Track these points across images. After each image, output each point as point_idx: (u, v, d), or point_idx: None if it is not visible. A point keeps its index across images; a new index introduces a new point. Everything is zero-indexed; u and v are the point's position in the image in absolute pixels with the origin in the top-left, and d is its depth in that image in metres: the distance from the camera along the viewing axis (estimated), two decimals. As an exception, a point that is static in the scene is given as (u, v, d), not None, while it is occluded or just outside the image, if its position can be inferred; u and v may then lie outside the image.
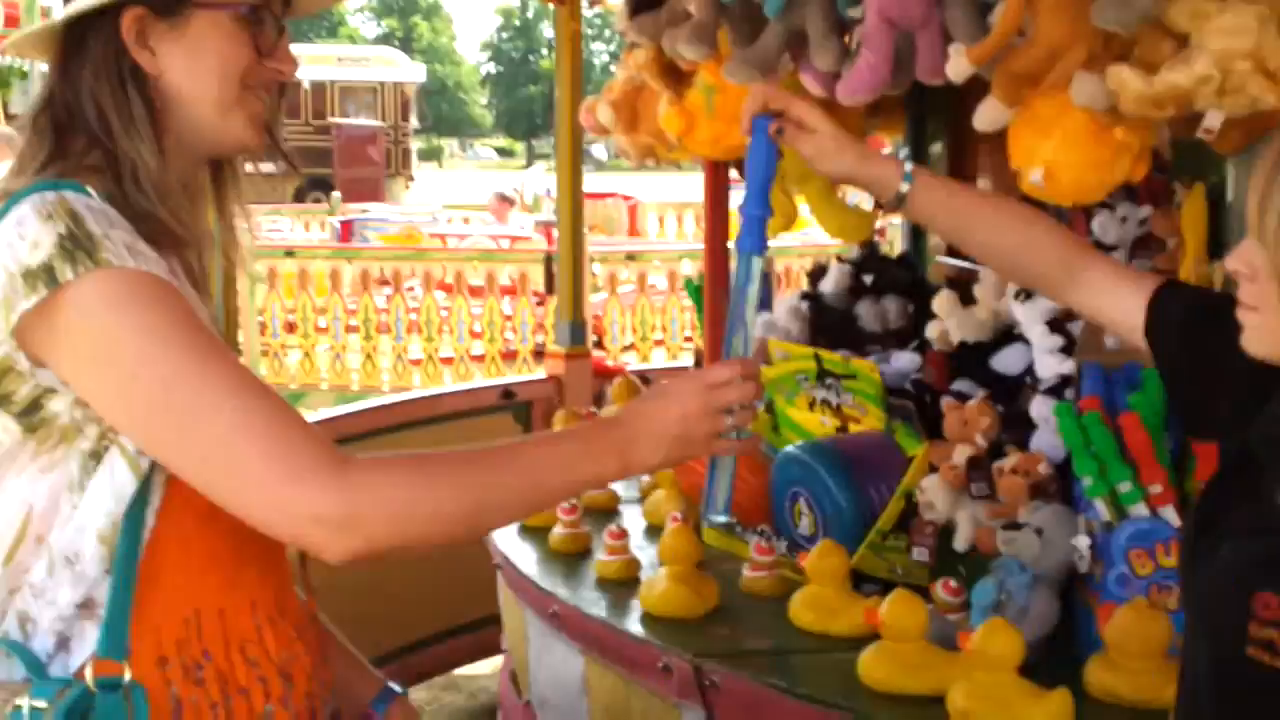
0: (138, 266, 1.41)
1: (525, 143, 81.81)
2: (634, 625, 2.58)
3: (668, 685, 2.40)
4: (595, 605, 2.69)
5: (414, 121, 32.64)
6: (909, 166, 1.79)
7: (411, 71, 33.09)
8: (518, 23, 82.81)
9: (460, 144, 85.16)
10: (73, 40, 1.54)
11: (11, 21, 8.22)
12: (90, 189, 1.46)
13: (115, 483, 1.45)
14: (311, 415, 5.04)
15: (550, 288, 5.55)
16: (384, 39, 74.51)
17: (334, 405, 8.80)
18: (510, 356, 9.98)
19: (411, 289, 10.34)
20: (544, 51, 78.49)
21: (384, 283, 10.48)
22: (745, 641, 2.49)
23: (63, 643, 1.47)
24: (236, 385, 1.41)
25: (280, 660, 1.56)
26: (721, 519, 1.72)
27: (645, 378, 4.16)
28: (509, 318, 10.04)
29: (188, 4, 1.53)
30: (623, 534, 2.89)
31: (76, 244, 1.38)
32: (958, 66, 2.34)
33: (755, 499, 2.99)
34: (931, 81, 2.58)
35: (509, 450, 1.53)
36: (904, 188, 1.77)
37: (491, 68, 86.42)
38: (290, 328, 9.99)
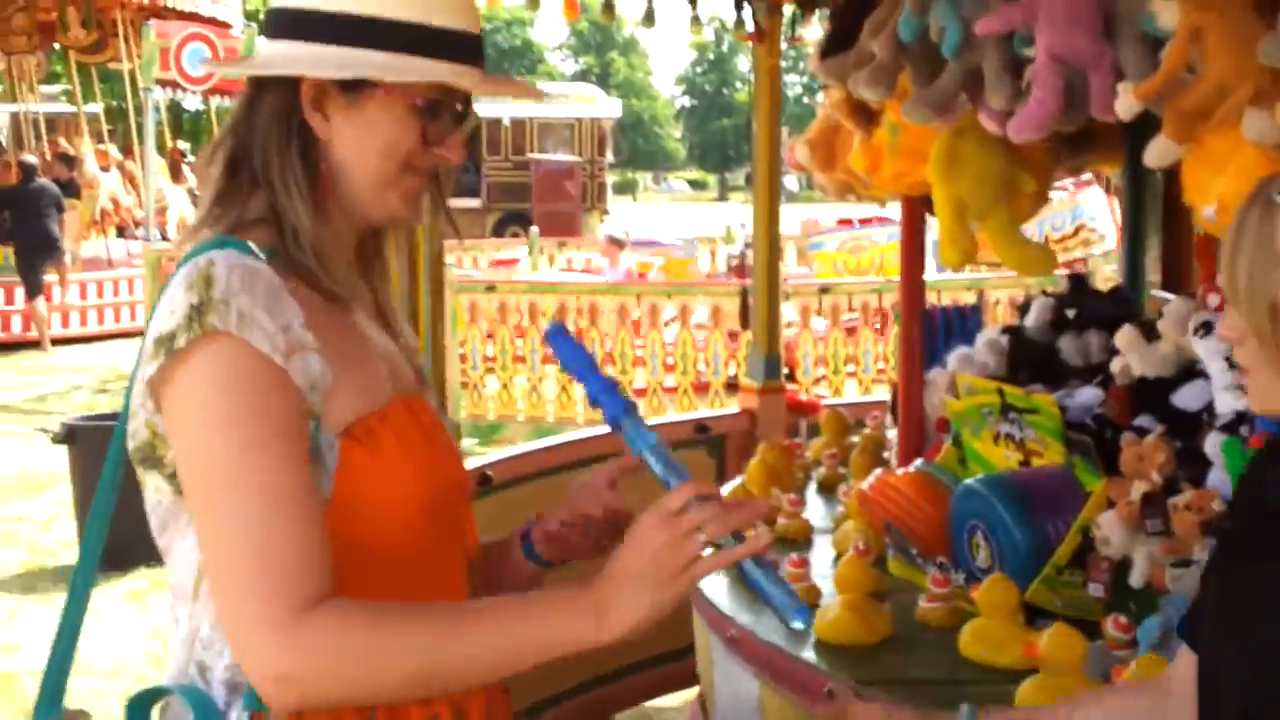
0: (239, 334, 1.44)
1: (718, 175, 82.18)
2: (807, 652, 2.65)
3: (832, 710, 2.46)
4: (772, 631, 2.76)
5: (609, 156, 33.11)
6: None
7: (608, 107, 33.60)
8: (712, 56, 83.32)
9: (654, 177, 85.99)
10: (257, 85, 1.60)
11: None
12: (254, 245, 1.53)
13: None
14: (508, 450, 5.18)
15: (745, 322, 5.61)
16: (581, 75, 75.70)
17: (529, 438, 9.08)
18: (702, 389, 10.09)
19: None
20: (738, 85, 78.71)
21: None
22: (912, 670, 2.54)
23: (234, 688, 1.52)
24: (259, 498, 1.43)
25: (453, 694, 1.58)
26: (800, 625, 1.51)
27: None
28: (701, 349, 10.16)
29: (369, 85, 1.57)
30: (803, 563, 2.96)
31: (199, 312, 1.45)
32: (1126, 104, 2.38)
33: (934, 530, 3.03)
34: (1104, 118, 2.61)
35: (474, 614, 1.50)
36: None
37: (686, 101, 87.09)
38: (489, 360, 10.26)
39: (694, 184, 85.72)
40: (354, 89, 1.57)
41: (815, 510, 3.67)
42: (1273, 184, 1.41)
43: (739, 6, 4.87)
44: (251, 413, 1.44)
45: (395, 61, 1.54)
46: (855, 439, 4.07)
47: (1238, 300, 1.40)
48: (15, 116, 21.33)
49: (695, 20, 5.02)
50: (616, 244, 15.28)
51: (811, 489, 3.92)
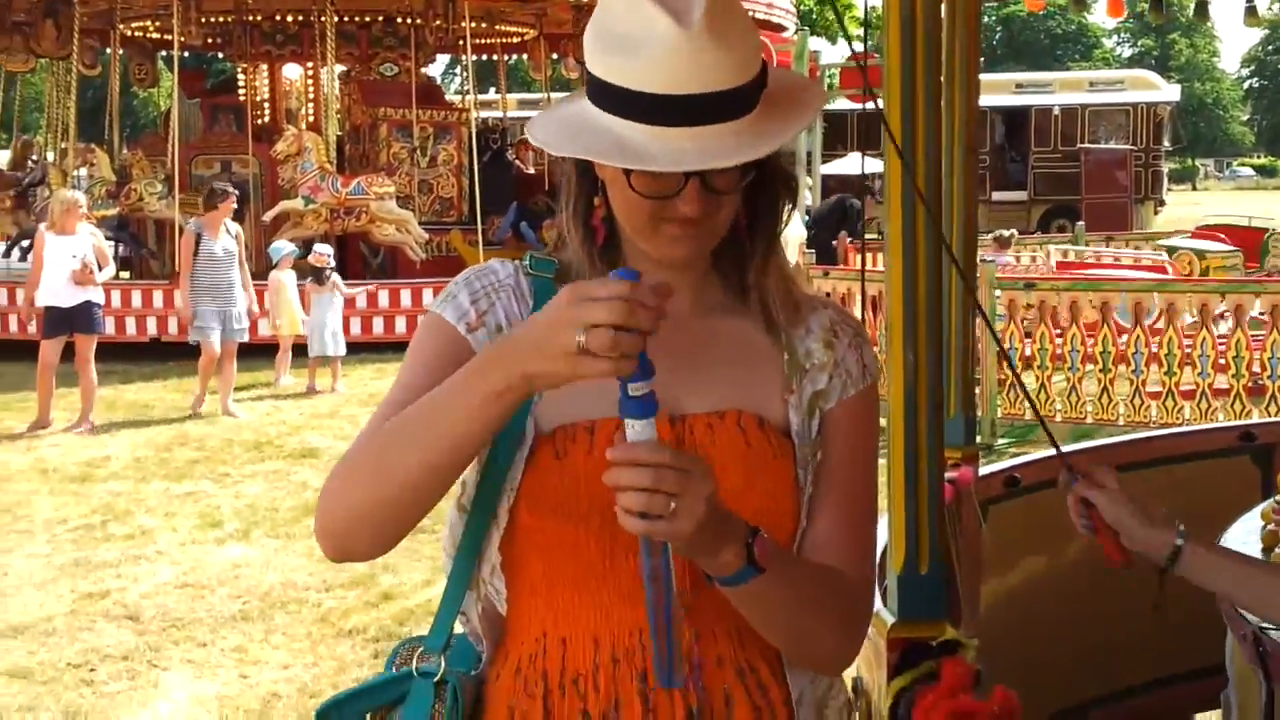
0: (438, 310, 1.69)
1: (1291, 160, 76.34)
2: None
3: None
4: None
5: (1166, 143, 31.66)
6: (1179, 541, 2.19)
7: (1166, 93, 32.16)
8: (1286, 31, 77.48)
9: (1217, 164, 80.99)
10: None
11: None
12: (554, 260, 1.71)
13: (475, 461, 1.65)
14: (1039, 453, 5.19)
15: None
16: (1139, 58, 72.45)
17: (1066, 440, 8.96)
18: (1257, 392, 9.60)
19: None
20: (1316, 61, 72.78)
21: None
22: None
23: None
24: (386, 398, 1.66)
25: (604, 705, 1.61)
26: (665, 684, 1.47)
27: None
28: (1257, 350, 9.67)
29: None
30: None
31: (439, 298, 1.72)
32: None
33: None
34: None
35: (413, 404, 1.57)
36: (1172, 553, 2.20)
37: (1255, 82, 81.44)
38: (1027, 359, 10.21)
39: (1262, 170, 79.97)
40: None
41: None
42: None
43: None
44: (418, 354, 1.68)
45: (618, 131, 1.53)
46: None
47: None
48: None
49: (1252, 12, 4.88)
50: (1000, 244, 14.83)
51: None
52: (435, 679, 1.66)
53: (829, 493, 1.68)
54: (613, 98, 1.53)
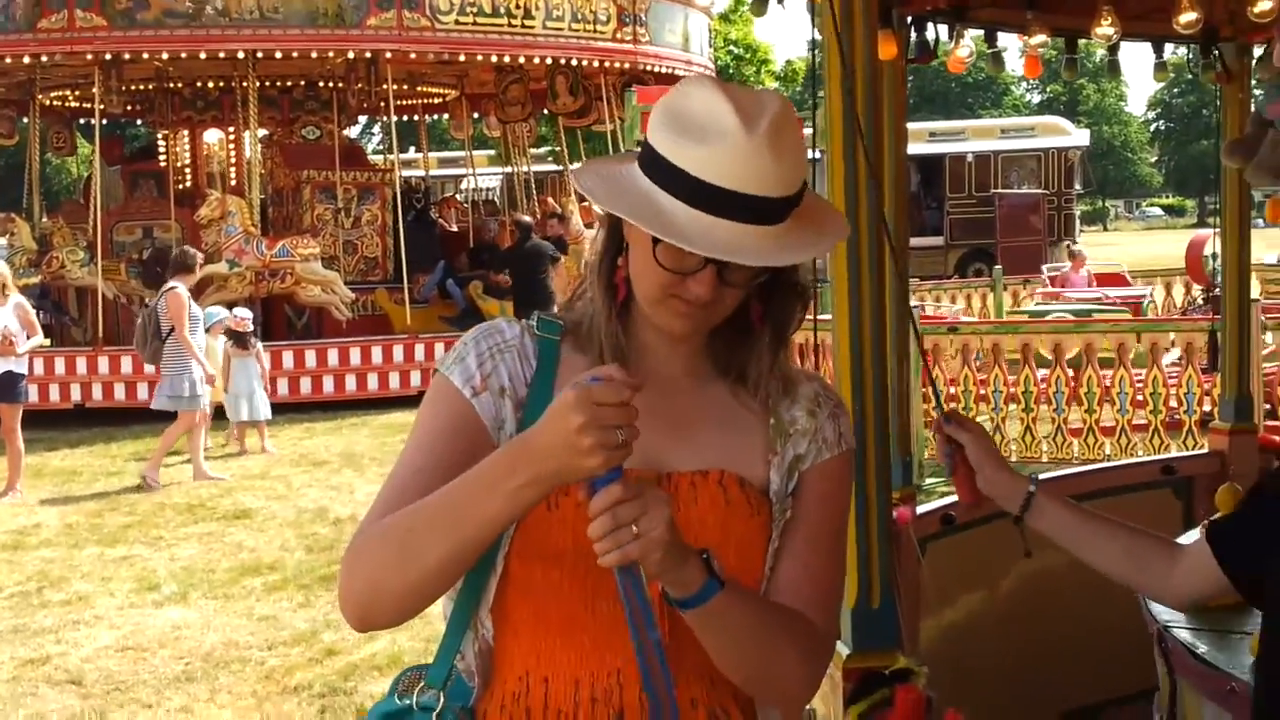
0: (445, 372, 1.78)
1: (1197, 200, 78.08)
2: None
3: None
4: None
5: (1078, 186, 32.34)
6: (1033, 488, 2.45)
7: (1076, 138, 32.86)
8: (1190, 76, 79.31)
9: (1127, 205, 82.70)
10: None
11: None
12: (560, 321, 1.82)
13: None
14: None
15: (1214, 363, 5.50)
16: (1048, 104, 73.96)
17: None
18: (1174, 426, 9.87)
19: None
20: (1218, 103, 74.67)
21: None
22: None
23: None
24: (397, 466, 1.75)
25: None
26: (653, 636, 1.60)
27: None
28: (1172, 386, 9.95)
29: None
30: None
31: (446, 359, 1.81)
32: None
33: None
34: None
35: (437, 494, 1.65)
36: (1022, 504, 2.46)
37: (1161, 124, 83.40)
38: (951, 400, 10.42)
39: (1170, 210, 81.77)
40: None
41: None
42: None
43: (1206, 51, 4.87)
44: (427, 416, 1.79)
45: (661, 204, 1.66)
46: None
47: None
48: (509, 178, 23.23)
49: (1160, 67, 5.06)
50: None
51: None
52: (434, 713, 1.76)
53: (795, 544, 1.79)
54: (666, 174, 1.66)
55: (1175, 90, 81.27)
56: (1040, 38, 4.06)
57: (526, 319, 1.86)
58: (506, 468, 1.58)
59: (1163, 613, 3.31)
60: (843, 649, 2.84)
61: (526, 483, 1.56)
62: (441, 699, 1.77)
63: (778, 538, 1.79)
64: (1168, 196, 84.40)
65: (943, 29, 4.23)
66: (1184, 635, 3.13)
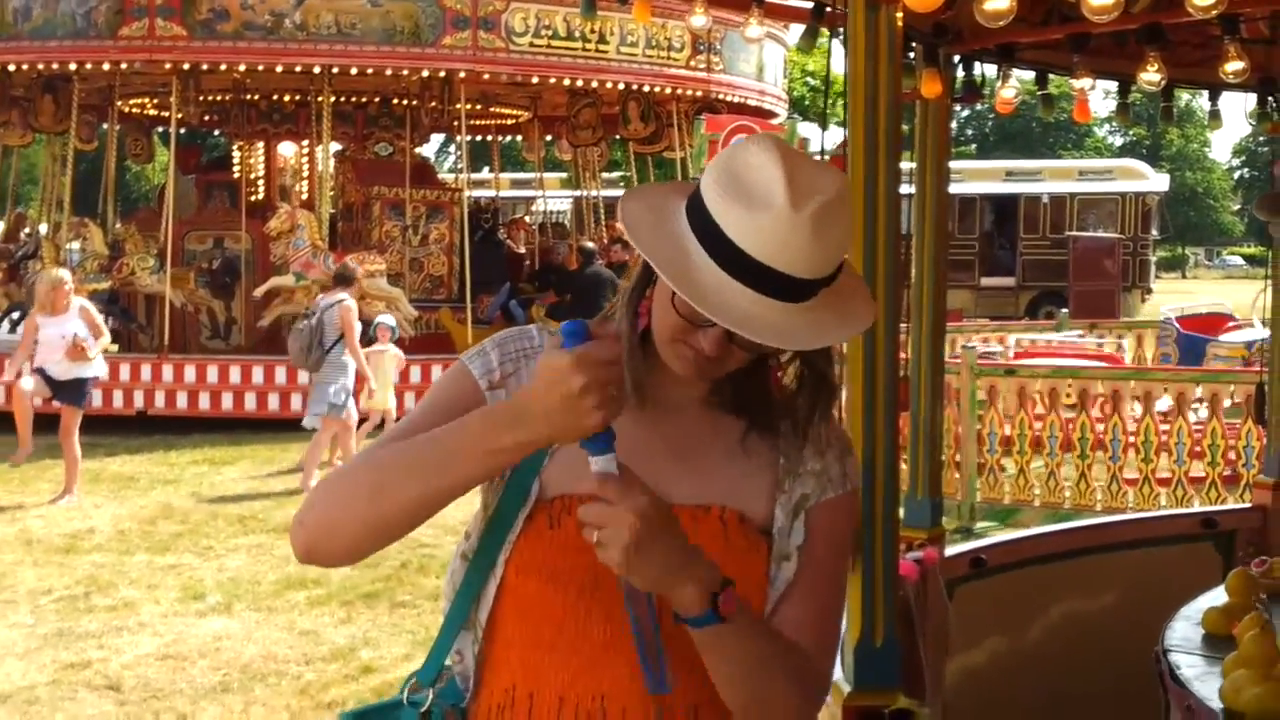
0: (466, 363, 1.85)
1: (1280, 250, 76.94)
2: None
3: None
4: None
5: (1154, 232, 31.96)
6: None
7: (1155, 182, 32.50)
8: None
9: (1207, 253, 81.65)
10: None
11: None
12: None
13: (482, 512, 1.85)
14: (1013, 533, 5.28)
15: (1260, 416, 5.42)
16: (1130, 148, 73.23)
17: (1043, 522, 9.06)
18: (1232, 480, 9.69)
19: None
20: (1300, 153, 73.67)
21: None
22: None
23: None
24: (392, 431, 1.81)
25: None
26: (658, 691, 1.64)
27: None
28: (1232, 440, 9.77)
29: None
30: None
31: (471, 351, 1.88)
32: None
33: None
34: None
35: (425, 437, 1.72)
36: None
37: (1245, 173, 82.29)
38: (1007, 443, 10.31)
39: (1251, 259, 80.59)
40: None
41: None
42: None
43: (1263, 100, 4.84)
44: (435, 392, 1.85)
45: (691, 254, 1.68)
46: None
47: None
48: (578, 201, 23.32)
49: (1214, 115, 5.02)
50: None
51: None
52: (422, 709, 1.80)
53: (797, 581, 1.80)
54: (705, 227, 1.67)
55: (1259, 139, 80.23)
56: (1086, 81, 4.02)
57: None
58: (504, 426, 1.63)
59: (1171, 636, 3.30)
60: (844, 685, 2.82)
61: (514, 445, 1.62)
62: (431, 696, 1.81)
63: (776, 574, 1.80)
64: (1250, 245, 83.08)
65: (989, 69, 4.22)
66: (1174, 656, 3.15)
